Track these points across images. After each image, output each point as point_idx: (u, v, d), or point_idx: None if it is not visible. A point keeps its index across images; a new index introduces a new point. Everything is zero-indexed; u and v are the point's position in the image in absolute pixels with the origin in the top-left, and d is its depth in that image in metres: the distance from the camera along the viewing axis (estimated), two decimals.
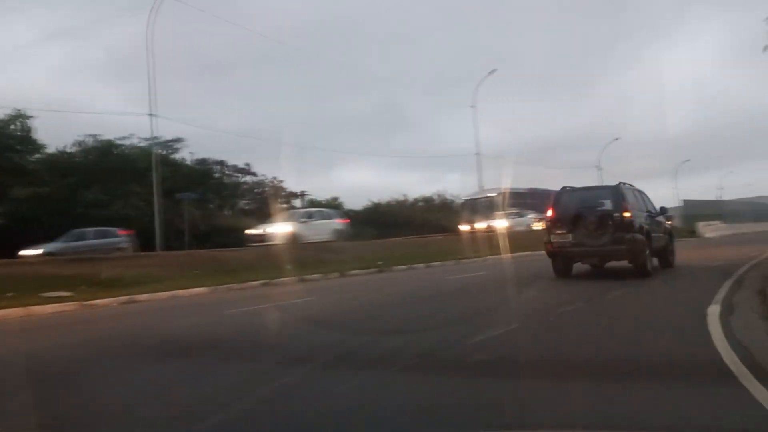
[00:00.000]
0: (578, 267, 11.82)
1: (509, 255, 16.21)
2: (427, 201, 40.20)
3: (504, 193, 29.86)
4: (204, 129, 57.27)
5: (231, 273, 14.25)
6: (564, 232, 11.09)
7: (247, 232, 21.01)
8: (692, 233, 37.17)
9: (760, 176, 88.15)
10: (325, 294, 11.28)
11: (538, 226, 24.73)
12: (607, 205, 10.83)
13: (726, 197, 53.44)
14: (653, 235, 11.32)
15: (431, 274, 14.99)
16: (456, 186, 78.92)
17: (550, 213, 11.54)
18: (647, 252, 10.81)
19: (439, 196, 40.94)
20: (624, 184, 11.44)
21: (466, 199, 35.79)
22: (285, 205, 30.24)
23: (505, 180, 32.46)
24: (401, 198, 39.24)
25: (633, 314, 7.19)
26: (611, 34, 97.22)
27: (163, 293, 11.61)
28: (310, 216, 22.62)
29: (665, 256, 12.40)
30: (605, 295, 8.58)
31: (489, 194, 32.10)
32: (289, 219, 21.80)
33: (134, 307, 10.47)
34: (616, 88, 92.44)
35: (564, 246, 11.14)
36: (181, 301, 11.22)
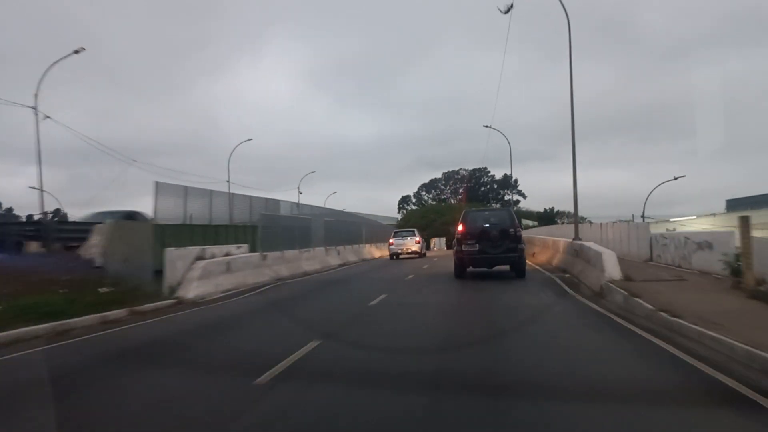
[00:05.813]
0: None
1: None
2: None
3: None
4: None
5: None
6: (473, 242, 14.42)
7: None
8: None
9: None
10: None
11: None
12: (503, 223, 14.63)
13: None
14: (525, 245, 15.68)
15: None
16: None
17: (461, 228, 14.68)
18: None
19: None
20: (509, 206, 15.50)
21: None
22: None
23: None
24: None
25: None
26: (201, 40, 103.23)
27: None
28: None
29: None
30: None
31: None
32: None
33: None
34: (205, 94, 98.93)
35: (472, 253, 14.47)
36: None
